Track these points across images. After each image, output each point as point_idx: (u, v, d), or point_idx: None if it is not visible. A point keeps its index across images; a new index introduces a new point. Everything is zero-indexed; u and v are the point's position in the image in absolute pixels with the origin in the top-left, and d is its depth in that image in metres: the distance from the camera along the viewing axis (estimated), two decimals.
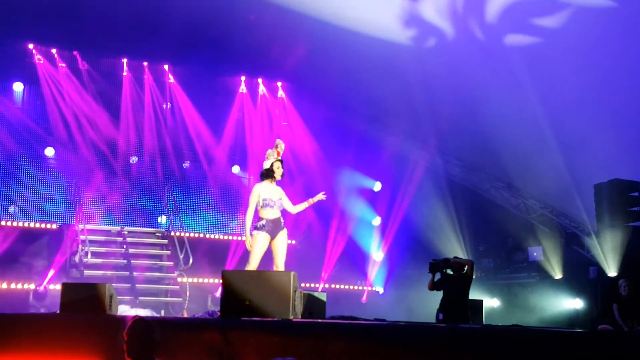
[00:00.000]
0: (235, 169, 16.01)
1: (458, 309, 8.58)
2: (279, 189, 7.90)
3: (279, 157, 7.87)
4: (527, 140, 14.21)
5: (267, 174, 7.83)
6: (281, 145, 7.93)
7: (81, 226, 12.83)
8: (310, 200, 8.04)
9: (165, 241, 13.93)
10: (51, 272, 12.23)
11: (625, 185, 14.24)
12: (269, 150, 7.93)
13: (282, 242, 7.77)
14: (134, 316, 4.71)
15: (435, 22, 14.74)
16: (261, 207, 7.73)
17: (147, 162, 15.27)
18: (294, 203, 8.10)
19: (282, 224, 7.82)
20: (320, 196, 8.04)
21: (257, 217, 7.76)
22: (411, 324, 6.64)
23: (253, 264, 7.64)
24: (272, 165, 7.84)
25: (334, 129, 15.94)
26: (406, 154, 16.65)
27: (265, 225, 7.66)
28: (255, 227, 7.70)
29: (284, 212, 7.88)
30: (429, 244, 15.44)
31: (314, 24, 13.95)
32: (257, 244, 7.63)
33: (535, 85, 14.06)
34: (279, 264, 7.73)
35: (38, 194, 14.03)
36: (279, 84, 16.74)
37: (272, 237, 7.70)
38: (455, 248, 15.46)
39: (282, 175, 7.90)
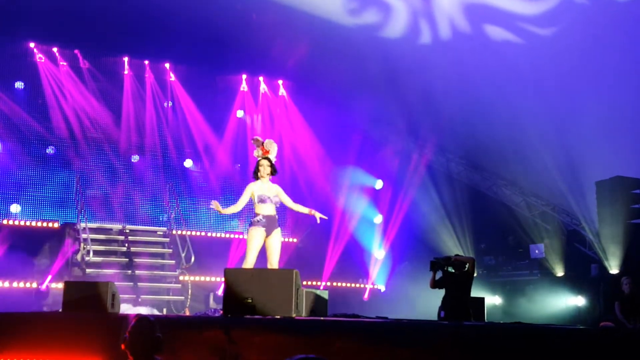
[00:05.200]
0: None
1: (460, 306, 8.57)
2: (274, 187, 7.94)
3: (266, 155, 7.87)
4: (529, 137, 14.18)
5: (255, 173, 7.91)
6: (267, 144, 7.91)
7: (83, 225, 12.83)
8: (313, 211, 8.07)
9: (167, 239, 13.95)
10: (53, 271, 12.23)
11: (627, 182, 14.22)
12: (256, 149, 7.98)
13: (276, 241, 7.79)
14: (137, 315, 4.70)
15: (434, 16, 14.73)
16: (257, 202, 7.79)
17: (149, 160, 15.25)
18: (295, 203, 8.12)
19: (277, 222, 7.86)
20: (322, 216, 8.13)
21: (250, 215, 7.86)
22: (413, 321, 6.64)
23: (249, 259, 7.64)
24: (257, 163, 7.91)
25: (336, 126, 15.91)
26: (408, 152, 16.62)
27: (261, 220, 7.70)
28: (250, 223, 7.79)
29: (283, 208, 7.93)
30: (430, 241, 15.43)
31: (316, 21, 13.93)
32: (253, 238, 7.67)
33: (537, 82, 14.04)
34: (273, 262, 7.73)
35: (40, 192, 14.03)
36: (280, 82, 16.72)
37: (268, 234, 7.73)
38: (456, 246, 15.45)
39: (270, 174, 7.88)
